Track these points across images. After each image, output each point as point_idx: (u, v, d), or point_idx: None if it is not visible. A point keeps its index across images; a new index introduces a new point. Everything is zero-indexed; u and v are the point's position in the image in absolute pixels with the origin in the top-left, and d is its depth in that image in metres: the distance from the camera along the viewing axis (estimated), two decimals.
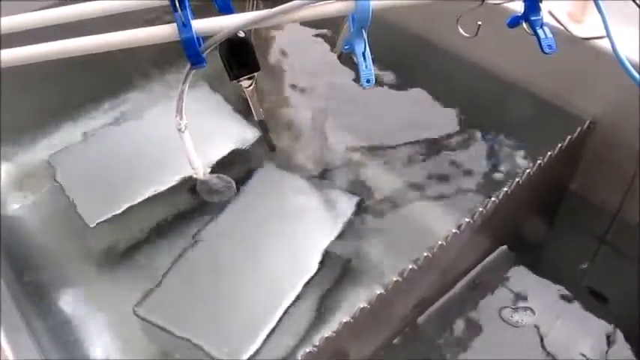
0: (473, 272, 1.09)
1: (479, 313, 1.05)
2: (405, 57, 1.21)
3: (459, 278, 1.08)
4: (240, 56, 0.69)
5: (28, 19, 0.58)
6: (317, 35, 1.28)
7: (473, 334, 1.02)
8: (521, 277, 1.10)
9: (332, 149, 1.01)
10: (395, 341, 0.99)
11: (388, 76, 1.16)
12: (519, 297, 1.07)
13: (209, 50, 0.55)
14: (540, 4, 0.64)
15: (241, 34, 0.67)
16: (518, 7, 0.65)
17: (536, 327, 1.03)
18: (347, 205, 0.88)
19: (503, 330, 1.02)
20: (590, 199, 1.09)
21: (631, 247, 1.04)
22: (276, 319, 0.73)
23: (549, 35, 0.64)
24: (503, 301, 1.06)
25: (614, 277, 1.09)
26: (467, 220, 0.85)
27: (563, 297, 1.08)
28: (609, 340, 1.01)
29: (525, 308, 1.05)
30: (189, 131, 0.62)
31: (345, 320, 0.73)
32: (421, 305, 1.01)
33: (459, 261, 0.96)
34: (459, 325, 1.03)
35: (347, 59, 0.65)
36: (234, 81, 0.71)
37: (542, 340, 1.01)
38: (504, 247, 1.13)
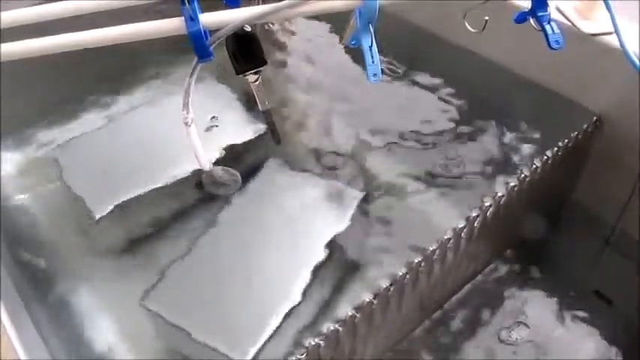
0: (474, 281, 1.10)
1: (477, 324, 1.06)
2: (414, 51, 1.21)
3: (462, 283, 1.08)
4: (247, 50, 0.69)
5: (28, 14, 0.58)
6: (324, 28, 1.28)
7: (471, 345, 1.03)
8: (519, 288, 1.11)
9: (338, 142, 1.01)
10: (402, 345, 1.00)
11: (396, 70, 1.16)
12: (519, 312, 1.08)
13: (216, 44, 0.55)
14: (548, 0, 0.64)
15: (248, 29, 0.67)
16: (526, 3, 0.65)
17: (534, 343, 1.04)
18: (352, 199, 0.88)
19: (501, 346, 1.03)
20: (594, 202, 1.09)
21: (634, 250, 1.04)
22: (283, 313, 0.73)
23: (557, 31, 0.64)
24: (502, 315, 1.07)
25: (618, 279, 1.09)
26: (475, 213, 0.85)
27: (563, 309, 1.09)
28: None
29: (524, 324, 1.06)
30: (195, 124, 0.63)
31: (350, 313, 0.73)
32: (425, 310, 1.02)
33: (463, 262, 0.97)
34: (457, 336, 1.04)
35: (354, 52, 0.65)
36: (241, 75, 0.72)
37: (538, 351, 1.02)
38: (505, 257, 1.14)
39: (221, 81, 1.09)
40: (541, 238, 1.11)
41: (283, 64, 1.21)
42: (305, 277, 0.77)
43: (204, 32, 0.54)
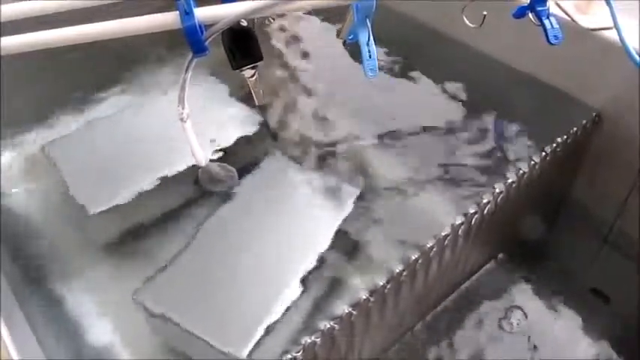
0: (472, 279, 1.10)
1: (475, 323, 1.06)
2: (412, 45, 1.20)
3: (460, 280, 1.08)
4: (243, 46, 0.69)
5: (28, 7, 0.58)
6: (322, 21, 1.28)
7: (469, 344, 1.03)
8: (517, 286, 1.11)
9: (335, 138, 1.00)
10: (396, 346, 1.00)
11: (394, 64, 1.15)
12: (516, 309, 1.08)
13: (211, 38, 0.54)
14: None
15: (244, 23, 0.66)
16: None
17: (530, 337, 1.04)
18: (349, 195, 0.88)
19: (498, 340, 1.03)
20: (592, 200, 1.08)
21: (632, 247, 1.04)
22: (279, 309, 0.73)
23: (556, 26, 0.64)
24: (499, 310, 1.07)
25: (616, 277, 1.09)
26: (473, 210, 0.84)
27: (560, 307, 1.09)
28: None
29: (520, 318, 1.06)
30: (191, 120, 0.62)
31: (347, 310, 0.73)
32: (422, 308, 1.01)
33: (461, 259, 0.96)
34: (455, 335, 1.04)
35: (352, 46, 0.65)
36: (237, 70, 0.71)
37: (535, 349, 1.02)
38: (503, 255, 1.14)
39: (216, 76, 1.09)
40: (539, 235, 1.11)
41: (281, 59, 1.21)
42: (301, 273, 0.77)
43: (200, 27, 0.53)
